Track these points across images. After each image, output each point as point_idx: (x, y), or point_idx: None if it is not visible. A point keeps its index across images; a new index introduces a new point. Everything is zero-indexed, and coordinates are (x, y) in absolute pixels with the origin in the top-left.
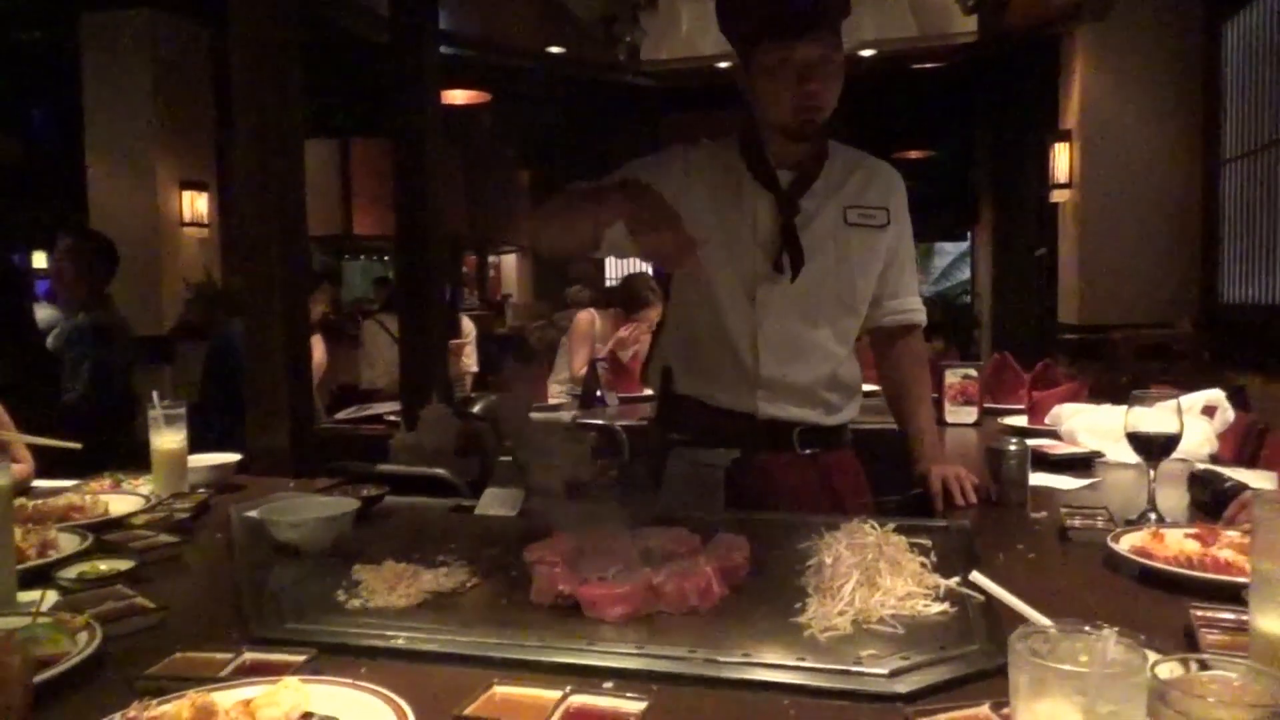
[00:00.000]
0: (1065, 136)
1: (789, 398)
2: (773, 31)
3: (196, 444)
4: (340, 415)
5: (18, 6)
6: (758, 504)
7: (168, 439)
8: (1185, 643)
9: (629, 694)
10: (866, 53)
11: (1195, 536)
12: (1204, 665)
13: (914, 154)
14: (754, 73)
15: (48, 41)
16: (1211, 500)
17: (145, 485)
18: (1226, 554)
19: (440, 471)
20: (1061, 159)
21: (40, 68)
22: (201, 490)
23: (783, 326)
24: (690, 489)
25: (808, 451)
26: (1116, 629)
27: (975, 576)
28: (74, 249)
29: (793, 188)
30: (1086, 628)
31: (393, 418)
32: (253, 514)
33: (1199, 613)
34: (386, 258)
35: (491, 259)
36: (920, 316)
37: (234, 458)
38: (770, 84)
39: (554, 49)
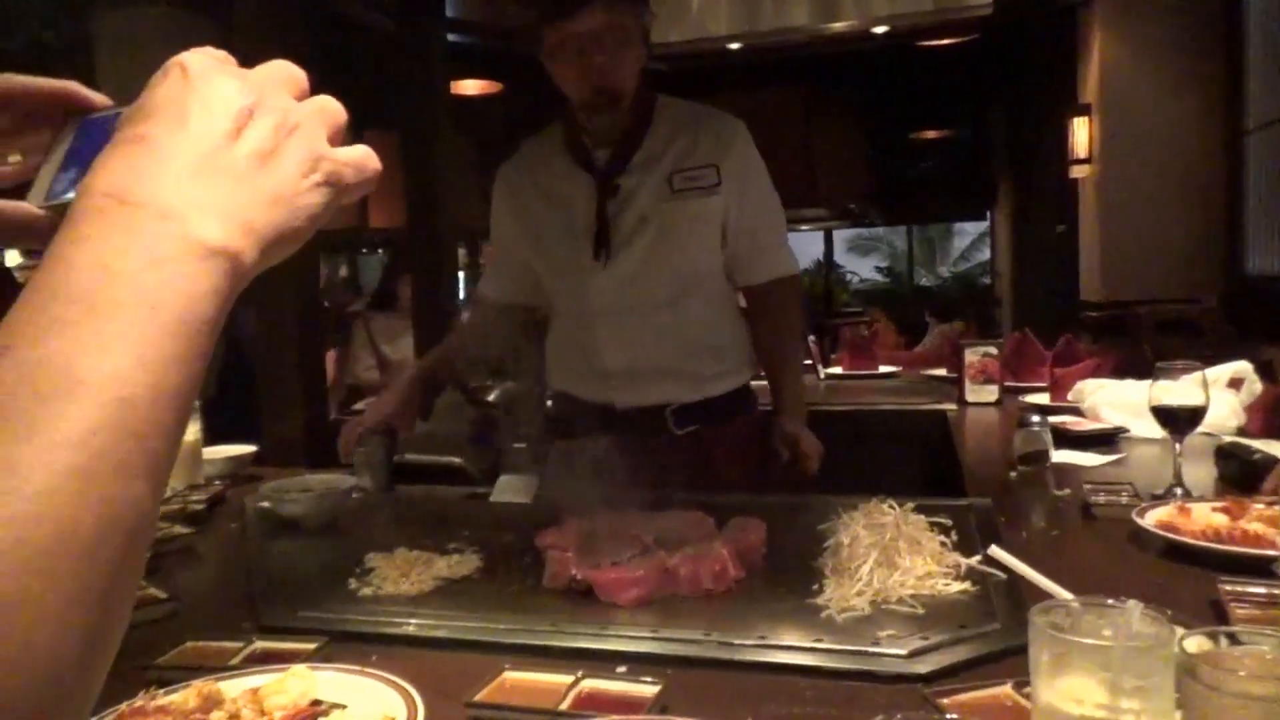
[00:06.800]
0: (1084, 110)
1: (645, 383)
2: (548, 11)
3: (214, 436)
4: (356, 405)
5: (33, 7)
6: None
7: None
8: (1214, 617)
9: (642, 678)
10: (879, 30)
11: (1223, 510)
12: (1234, 639)
13: (930, 134)
14: (546, 55)
15: (64, 42)
16: (1240, 473)
17: None
18: (1256, 527)
19: (455, 460)
20: (1081, 133)
21: (56, 68)
22: (217, 482)
23: (618, 315)
24: (568, 479)
25: (683, 431)
26: (1142, 603)
27: (995, 550)
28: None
29: (610, 166)
30: (1110, 601)
31: None
32: (265, 504)
33: (1227, 587)
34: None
35: None
36: (785, 268)
37: (250, 449)
38: (556, 64)
39: None
